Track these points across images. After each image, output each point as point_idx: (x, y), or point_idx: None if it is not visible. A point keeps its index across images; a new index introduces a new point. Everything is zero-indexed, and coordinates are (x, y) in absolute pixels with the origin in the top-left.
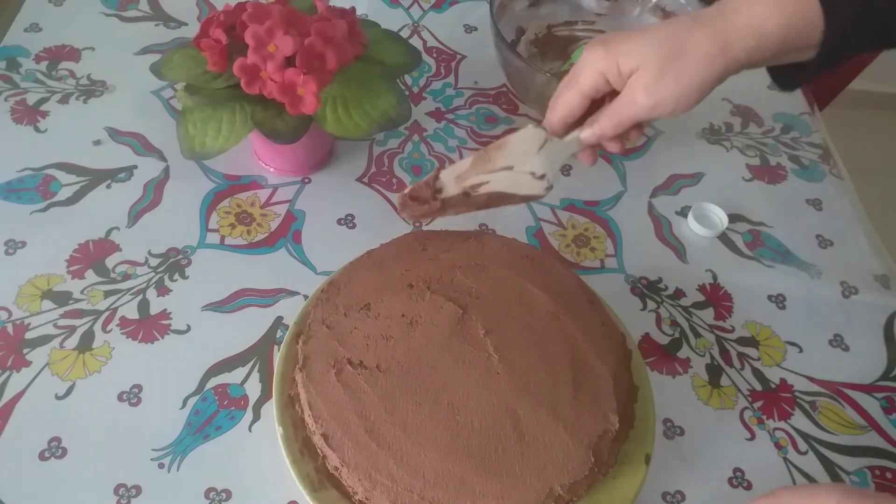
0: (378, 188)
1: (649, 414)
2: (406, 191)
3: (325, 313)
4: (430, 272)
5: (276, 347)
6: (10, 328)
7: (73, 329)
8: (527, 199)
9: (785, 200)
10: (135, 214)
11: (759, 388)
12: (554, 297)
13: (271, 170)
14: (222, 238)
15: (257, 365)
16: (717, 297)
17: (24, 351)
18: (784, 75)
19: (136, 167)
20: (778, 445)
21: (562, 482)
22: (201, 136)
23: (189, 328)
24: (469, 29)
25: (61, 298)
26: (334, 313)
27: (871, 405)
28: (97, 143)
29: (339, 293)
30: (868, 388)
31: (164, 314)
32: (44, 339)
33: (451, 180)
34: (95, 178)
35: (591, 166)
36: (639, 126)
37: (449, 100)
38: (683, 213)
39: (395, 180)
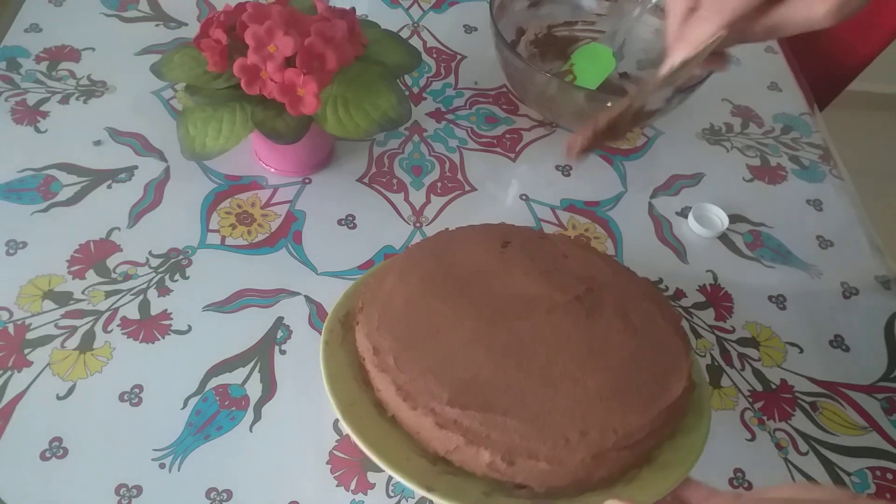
0: (378, 188)
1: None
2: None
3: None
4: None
5: (276, 348)
6: (11, 328)
7: (74, 329)
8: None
9: (785, 201)
10: (135, 215)
11: (759, 388)
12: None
13: (272, 170)
14: (223, 238)
15: (258, 365)
16: (717, 298)
17: (26, 351)
18: None
19: (136, 167)
20: (778, 446)
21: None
22: (201, 137)
23: (190, 328)
24: (469, 29)
25: (62, 299)
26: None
27: (872, 406)
28: (98, 143)
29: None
30: (868, 389)
31: (165, 314)
32: (45, 340)
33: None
34: (96, 178)
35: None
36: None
37: (449, 100)
38: (684, 213)
39: (395, 181)
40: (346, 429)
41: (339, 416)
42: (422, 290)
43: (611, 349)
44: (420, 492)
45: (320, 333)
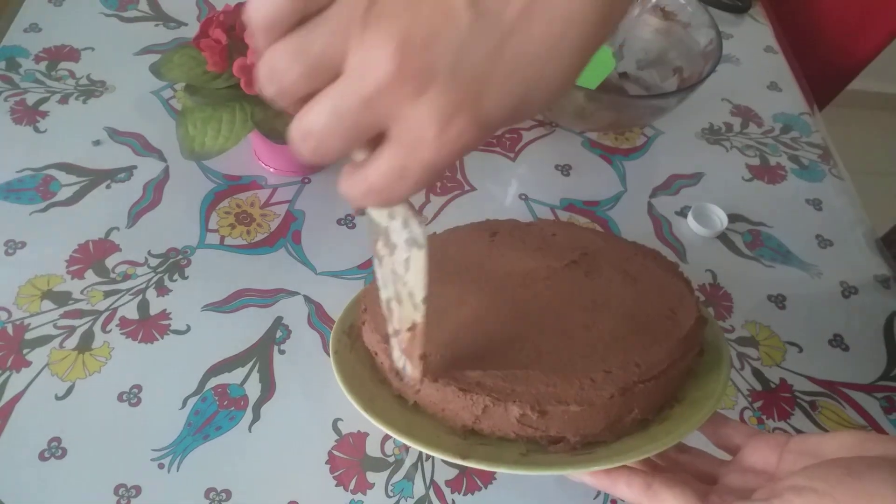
0: None
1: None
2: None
3: None
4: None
5: (275, 347)
6: (9, 328)
7: (72, 329)
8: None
9: (785, 200)
10: (134, 215)
11: (758, 388)
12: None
13: (271, 170)
14: (222, 238)
15: (257, 365)
16: (716, 297)
17: (24, 351)
18: None
19: (135, 167)
20: None
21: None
22: (201, 137)
23: (189, 328)
24: None
25: (61, 299)
26: None
27: (871, 405)
28: (97, 143)
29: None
30: (868, 388)
31: (164, 314)
32: (43, 340)
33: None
34: (95, 178)
35: None
36: None
37: None
38: (683, 213)
39: None
40: (372, 422)
41: (361, 411)
42: None
43: (615, 298)
44: (457, 461)
45: (319, 334)
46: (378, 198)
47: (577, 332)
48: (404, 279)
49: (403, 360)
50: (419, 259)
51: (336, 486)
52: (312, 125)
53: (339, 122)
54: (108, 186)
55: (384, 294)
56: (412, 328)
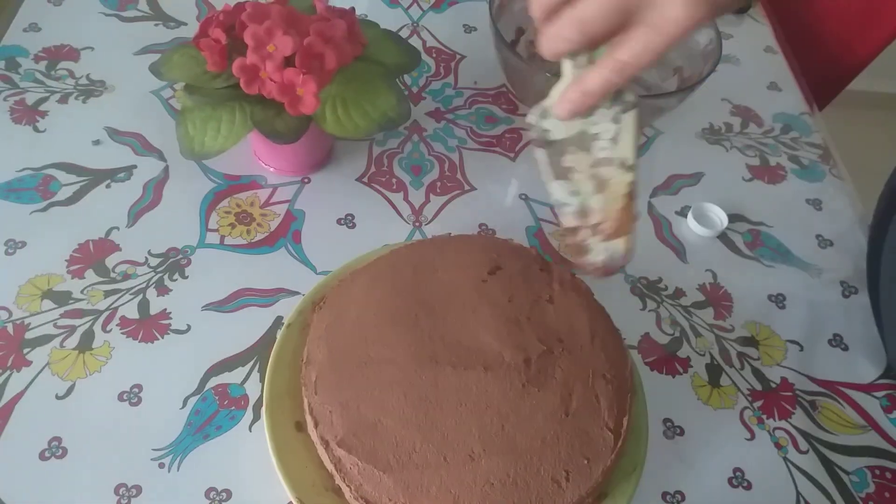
0: (378, 188)
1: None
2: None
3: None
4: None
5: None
6: (10, 328)
7: (73, 329)
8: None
9: (785, 200)
10: (134, 214)
11: (758, 387)
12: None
13: (271, 170)
14: (222, 238)
15: (257, 365)
16: (716, 297)
17: (25, 351)
18: None
19: (135, 167)
20: (778, 445)
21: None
22: (201, 136)
23: (189, 328)
24: (468, 29)
25: (61, 298)
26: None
27: (871, 404)
28: (97, 142)
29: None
30: (868, 388)
31: (164, 314)
32: (44, 339)
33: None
34: (95, 177)
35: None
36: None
37: (448, 100)
38: (683, 212)
39: (394, 180)
40: (263, 420)
41: (264, 404)
42: (378, 308)
43: (527, 431)
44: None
45: None
46: (626, 73)
47: (457, 456)
48: (611, 158)
49: (607, 249)
50: (629, 121)
51: None
52: (584, 13)
53: (608, 7)
54: (108, 186)
55: (571, 208)
56: (629, 191)
